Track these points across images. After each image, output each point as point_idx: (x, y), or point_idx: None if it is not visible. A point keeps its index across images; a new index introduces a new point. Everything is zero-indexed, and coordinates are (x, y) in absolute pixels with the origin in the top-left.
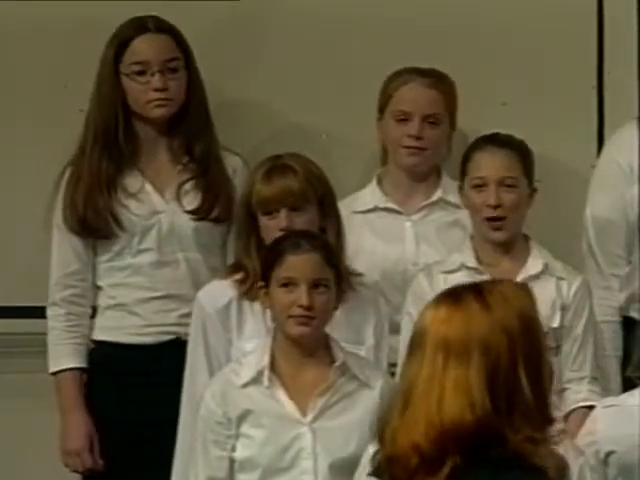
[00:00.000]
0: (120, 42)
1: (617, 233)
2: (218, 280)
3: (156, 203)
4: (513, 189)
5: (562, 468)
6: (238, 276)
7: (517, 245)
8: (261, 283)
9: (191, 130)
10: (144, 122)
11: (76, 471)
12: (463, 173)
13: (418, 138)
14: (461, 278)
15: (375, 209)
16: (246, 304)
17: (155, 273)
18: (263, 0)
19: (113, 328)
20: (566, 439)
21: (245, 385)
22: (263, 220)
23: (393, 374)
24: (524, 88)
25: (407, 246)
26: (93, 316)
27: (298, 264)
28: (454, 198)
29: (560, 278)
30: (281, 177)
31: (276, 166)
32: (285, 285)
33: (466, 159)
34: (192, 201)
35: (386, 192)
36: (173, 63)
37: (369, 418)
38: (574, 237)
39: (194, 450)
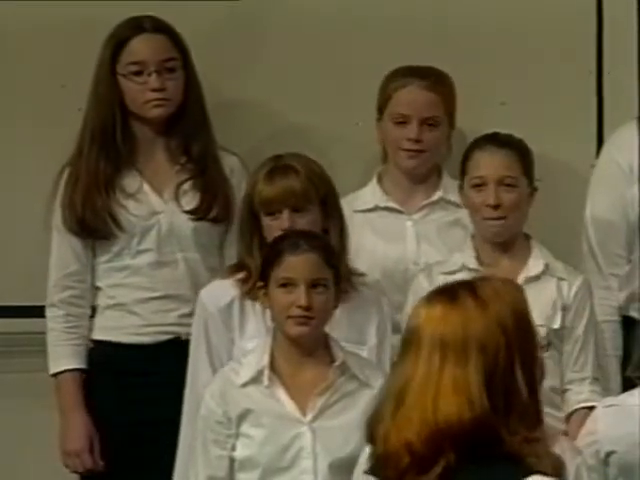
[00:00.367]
0: (117, 42)
1: (617, 233)
2: (220, 279)
3: (154, 203)
4: (513, 188)
5: (558, 468)
6: (240, 275)
7: (518, 245)
8: (260, 283)
9: (188, 130)
10: (141, 122)
11: (76, 472)
12: (463, 173)
13: (417, 141)
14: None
15: (376, 208)
16: (248, 303)
17: (154, 273)
18: (262, 0)
19: (112, 328)
20: (563, 439)
21: (245, 384)
22: (266, 220)
23: None
24: (524, 88)
25: (408, 245)
26: (92, 316)
27: (297, 264)
28: (455, 197)
29: (561, 278)
30: (283, 177)
31: (278, 166)
32: (284, 285)
33: (466, 159)
34: (190, 201)
35: (387, 191)
36: (170, 63)
37: None
38: (574, 237)
39: (194, 449)
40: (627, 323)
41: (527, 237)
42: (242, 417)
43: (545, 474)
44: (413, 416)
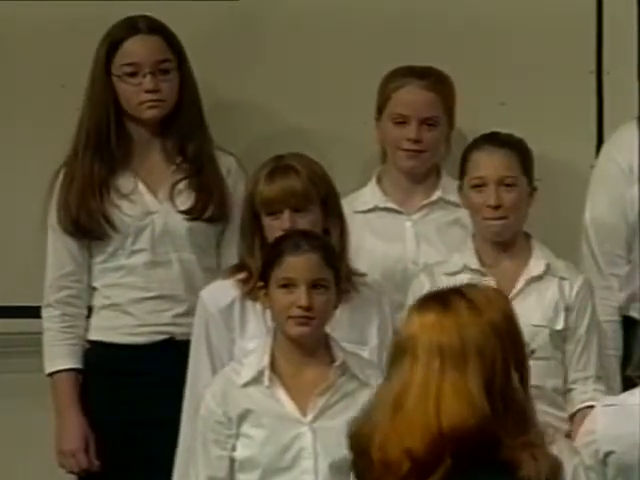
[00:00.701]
0: (111, 43)
1: (616, 233)
2: (221, 280)
3: (149, 203)
4: (513, 188)
5: (556, 468)
6: (241, 276)
7: (518, 244)
8: (260, 283)
9: (184, 130)
10: (137, 123)
11: (71, 472)
12: (462, 173)
13: (416, 141)
14: (463, 280)
15: (375, 209)
16: (249, 304)
17: (149, 273)
18: (261, 0)
19: (107, 328)
20: (560, 438)
21: (245, 385)
22: (266, 220)
23: None
24: (523, 88)
25: (407, 245)
26: (89, 316)
27: (297, 265)
28: (454, 197)
29: (562, 278)
30: (284, 178)
31: (279, 166)
32: (284, 286)
33: (465, 159)
34: (185, 201)
35: (386, 191)
36: (164, 64)
37: None
38: (574, 237)
39: (195, 450)
40: (627, 323)
41: (527, 237)
42: (242, 417)
43: None
44: (414, 422)
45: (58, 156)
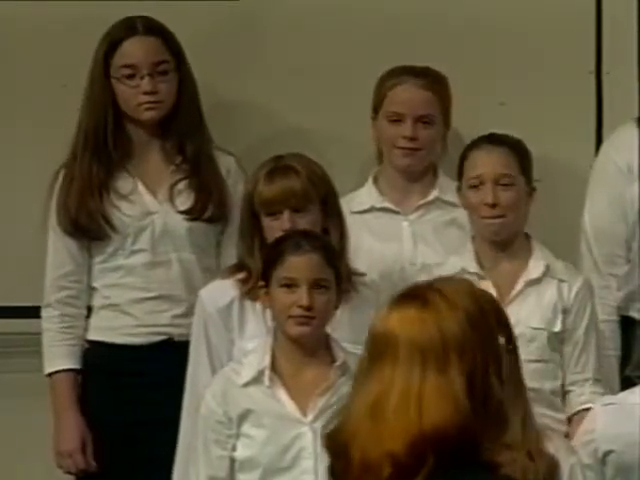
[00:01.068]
0: (109, 44)
1: (615, 233)
2: (220, 280)
3: (149, 204)
4: (510, 187)
5: (553, 468)
6: (240, 276)
7: (518, 245)
8: (261, 283)
9: (183, 131)
10: (135, 124)
11: (69, 472)
12: (460, 174)
13: (412, 139)
14: None
15: (372, 209)
16: (248, 304)
17: (148, 274)
18: (261, 0)
19: (106, 328)
20: (557, 437)
21: (246, 385)
22: (266, 221)
23: None
24: (523, 88)
25: (405, 245)
26: (88, 316)
27: (299, 264)
28: (451, 197)
29: (561, 280)
30: (283, 178)
31: (278, 167)
32: (285, 285)
33: (463, 159)
34: (185, 201)
35: (382, 191)
36: (162, 66)
37: None
38: (573, 237)
39: (195, 449)
40: (626, 323)
41: (528, 237)
42: (243, 417)
43: None
44: (396, 424)
45: (58, 156)
